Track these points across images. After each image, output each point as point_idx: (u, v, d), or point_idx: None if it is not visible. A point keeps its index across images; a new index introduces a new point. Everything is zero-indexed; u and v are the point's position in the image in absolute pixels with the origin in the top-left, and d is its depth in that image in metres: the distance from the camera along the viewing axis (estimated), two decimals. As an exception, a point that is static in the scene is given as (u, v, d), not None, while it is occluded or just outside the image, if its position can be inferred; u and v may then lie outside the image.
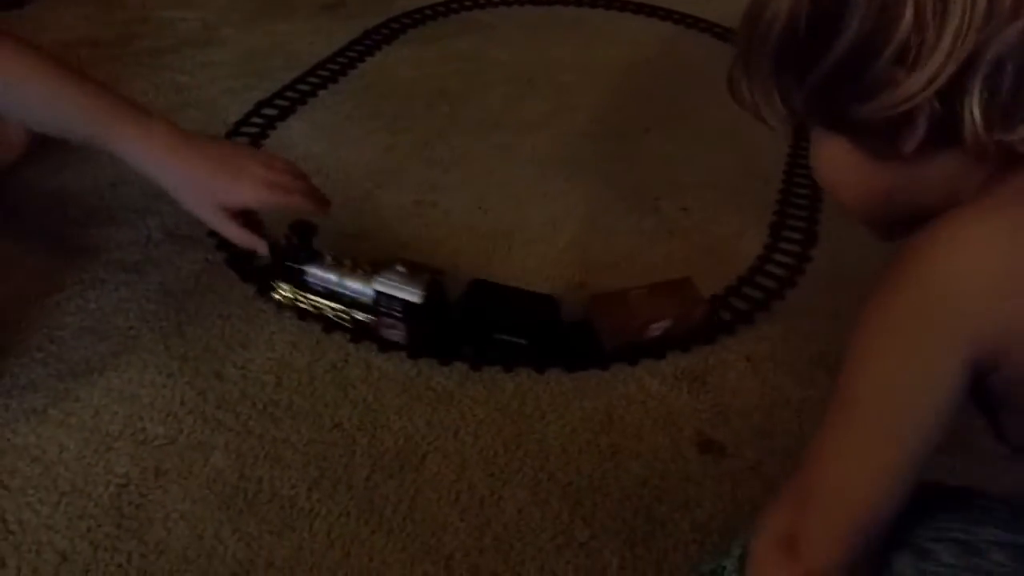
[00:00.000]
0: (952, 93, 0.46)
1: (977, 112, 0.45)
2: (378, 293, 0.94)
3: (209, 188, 0.86)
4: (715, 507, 0.83)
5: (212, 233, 1.08)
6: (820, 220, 1.22)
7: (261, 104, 1.35)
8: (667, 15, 1.72)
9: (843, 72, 0.48)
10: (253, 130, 1.30)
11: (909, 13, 0.45)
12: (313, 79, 1.43)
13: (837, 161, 0.54)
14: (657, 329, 0.98)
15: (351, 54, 1.51)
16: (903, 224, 0.53)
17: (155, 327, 0.97)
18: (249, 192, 0.88)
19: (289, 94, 1.38)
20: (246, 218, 0.91)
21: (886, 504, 0.52)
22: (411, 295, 0.93)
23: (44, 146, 1.17)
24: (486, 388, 0.94)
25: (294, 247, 0.96)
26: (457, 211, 1.20)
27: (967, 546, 0.52)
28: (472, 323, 0.98)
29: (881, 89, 0.47)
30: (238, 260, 1.06)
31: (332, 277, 0.96)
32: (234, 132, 1.29)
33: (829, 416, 0.53)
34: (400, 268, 0.94)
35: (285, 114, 1.35)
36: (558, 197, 1.24)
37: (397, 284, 0.93)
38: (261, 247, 0.93)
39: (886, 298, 0.50)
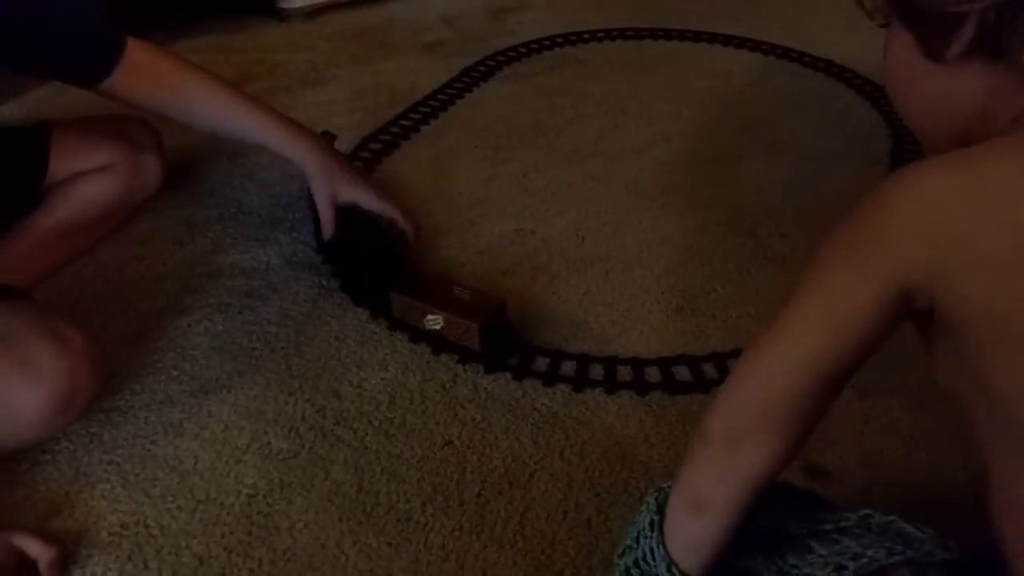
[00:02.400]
0: (1011, 10, 0.50)
1: None
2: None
3: (333, 181, 1.11)
4: (824, 531, 0.83)
5: (326, 261, 1.16)
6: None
7: (367, 139, 1.43)
8: (756, 46, 1.74)
9: None
10: (360, 164, 1.37)
11: None
12: (415, 115, 1.50)
13: (898, 57, 0.58)
14: (433, 322, 1.02)
15: (450, 91, 1.57)
16: (947, 145, 0.56)
17: (276, 348, 1.04)
18: (363, 194, 1.12)
19: (394, 129, 1.46)
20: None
21: (798, 396, 0.55)
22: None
23: (174, 180, 1.27)
24: (589, 410, 0.97)
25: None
26: (555, 238, 1.23)
27: None
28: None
29: None
30: (351, 286, 1.12)
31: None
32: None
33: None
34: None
35: (390, 148, 1.41)
36: (654, 224, 1.26)
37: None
38: (328, 233, 1.14)
39: (848, 220, 0.55)
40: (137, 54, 1.01)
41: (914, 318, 0.55)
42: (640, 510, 0.68)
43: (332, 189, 1.10)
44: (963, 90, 0.54)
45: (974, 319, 0.50)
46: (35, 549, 0.79)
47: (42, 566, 0.78)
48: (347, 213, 1.13)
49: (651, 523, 0.65)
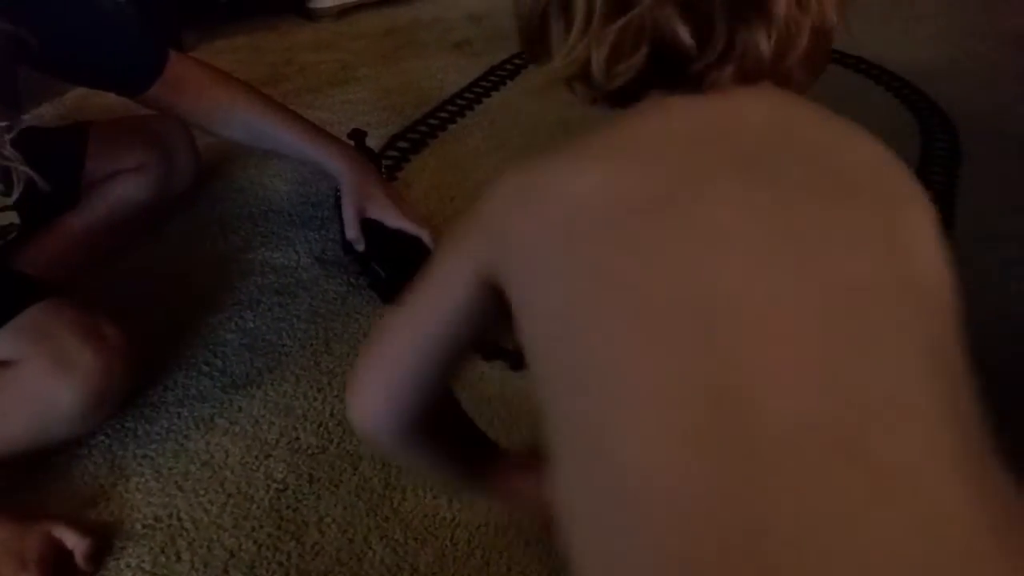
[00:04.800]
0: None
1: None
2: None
3: (363, 197, 1.12)
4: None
5: (355, 260, 1.17)
6: (955, 227, 1.19)
7: (395, 138, 1.44)
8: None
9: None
10: (388, 163, 1.38)
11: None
12: (443, 114, 1.51)
13: None
14: None
15: (477, 89, 1.58)
16: None
17: (306, 344, 1.05)
18: (390, 213, 1.12)
19: (421, 128, 1.47)
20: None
21: (421, 362, 0.58)
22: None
23: (206, 178, 1.29)
24: (615, 408, 0.97)
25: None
26: (582, 237, 1.23)
27: None
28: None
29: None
30: (379, 284, 1.13)
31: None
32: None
33: None
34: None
35: (418, 147, 1.42)
36: (681, 223, 1.26)
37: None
38: (360, 246, 1.14)
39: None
40: (179, 68, 1.03)
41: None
42: None
43: (361, 203, 1.11)
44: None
45: (518, 310, 0.52)
46: (72, 540, 0.81)
47: (78, 557, 0.80)
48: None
49: None
